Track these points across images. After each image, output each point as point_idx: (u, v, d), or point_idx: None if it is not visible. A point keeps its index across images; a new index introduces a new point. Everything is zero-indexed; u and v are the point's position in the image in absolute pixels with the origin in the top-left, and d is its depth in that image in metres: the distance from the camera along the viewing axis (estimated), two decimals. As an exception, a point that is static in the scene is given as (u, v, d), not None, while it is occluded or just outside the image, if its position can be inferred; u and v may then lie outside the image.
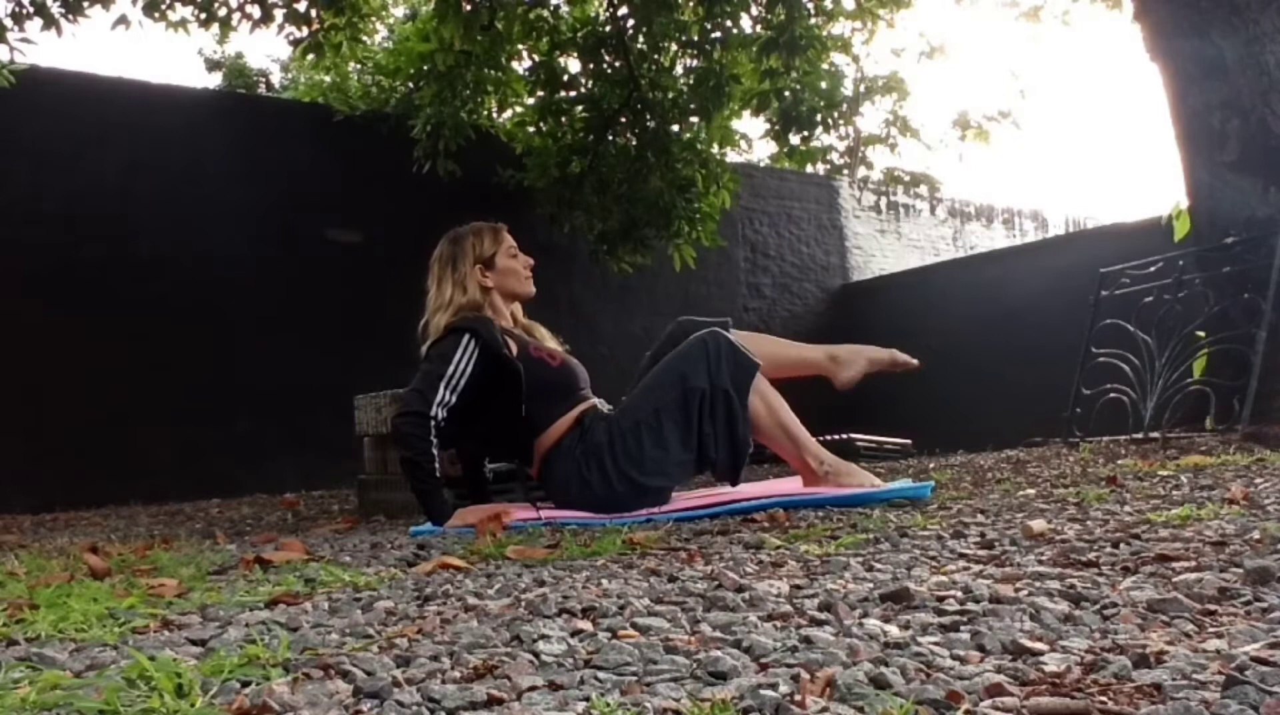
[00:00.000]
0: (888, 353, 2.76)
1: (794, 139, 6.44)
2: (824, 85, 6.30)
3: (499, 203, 6.06)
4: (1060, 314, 5.80)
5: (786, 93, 6.15)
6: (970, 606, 1.06)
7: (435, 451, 2.48)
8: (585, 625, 1.09)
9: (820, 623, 1.04)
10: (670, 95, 6.47)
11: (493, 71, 6.39)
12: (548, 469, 2.62)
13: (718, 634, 1.02)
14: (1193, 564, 1.24)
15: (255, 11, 5.40)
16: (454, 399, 2.52)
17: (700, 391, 2.49)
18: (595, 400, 2.70)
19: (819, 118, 6.26)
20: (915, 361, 2.74)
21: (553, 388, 2.62)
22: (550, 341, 2.83)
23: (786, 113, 6.20)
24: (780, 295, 8.67)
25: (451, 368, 2.51)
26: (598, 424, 2.58)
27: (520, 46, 6.57)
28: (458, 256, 2.77)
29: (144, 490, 5.17)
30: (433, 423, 2.48)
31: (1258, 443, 3.08)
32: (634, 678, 0.87)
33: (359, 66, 7.35)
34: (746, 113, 6.70)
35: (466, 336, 2.56)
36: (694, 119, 6.64)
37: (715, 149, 6.74)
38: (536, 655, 0.96)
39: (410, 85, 6.72)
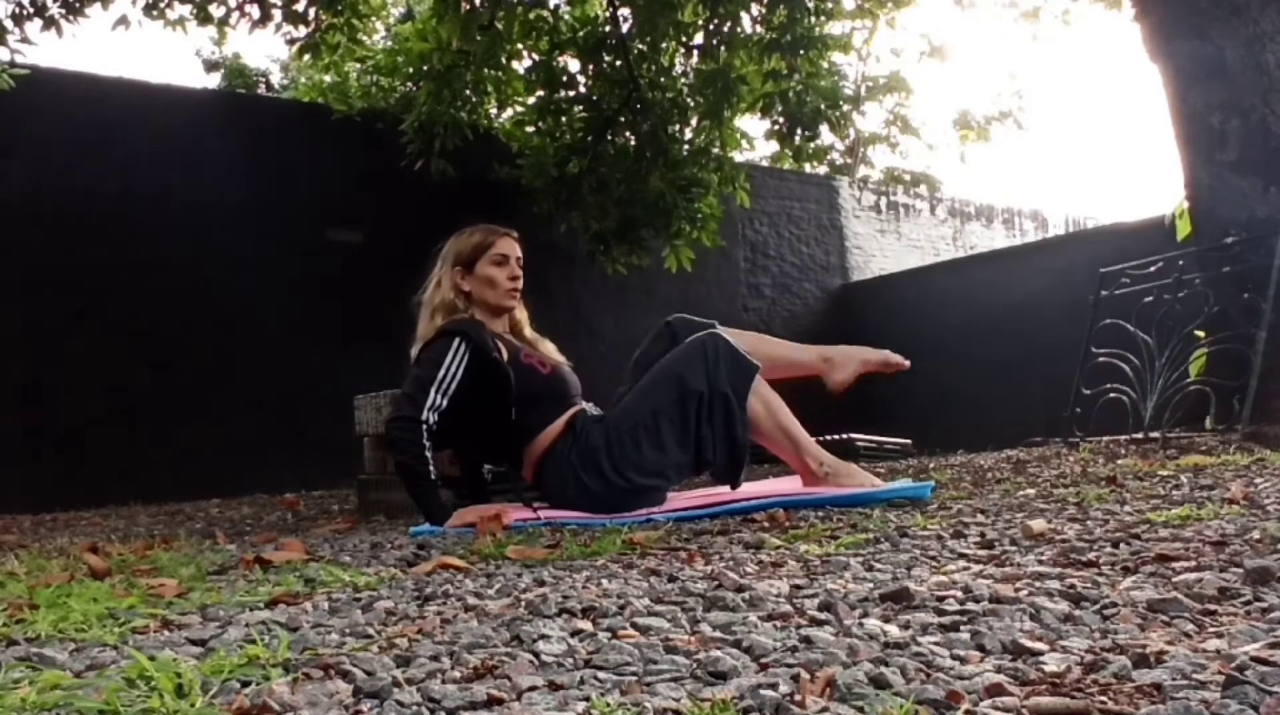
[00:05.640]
0: (880, 354, 2.73)
1: (798, 140, 6.44)
2: (825, 84, 6.30)
3: (499, 202, 6.07)
4: (1060, 314, 5.81)
5: (791, 94, 6.15)
6: (970, 606, 1.06)
7: (429, 455, 2.47)
8: (585, 625, 1.09)
9: (820, 623, 1.04)
10: (670, 95, 6.47)
11: (492, 71, 6.39)
12: (542, 473, 2.61)
13: (718, 634, 1.02)
14: (1193, 564, 1.24)
15: (254, 11, 5.40)
16: (445, 402, 2.51)
17: (698, 394, 2.48)
18: (585, 404, 2.70)
19: (824, 118, 6.26)
20: (907, 363, 2.72)
21: (543, 394, 2.61)
22: (554, 356, 2.81)
23: (792, 114, 6.20)
24: (780, 295, 8.67)
25: (442, 372, 2.50)
26: (591, 427, 2.57)
27: (520, 46, 6.57)
28: (445, 255, 2.76)
29: (144, 490, 5.17)
30: (424, 427, 2.47)
31: (1258, 443, 3.08)
32: (634, 678, 0.87)
33: (359, 66, 7.35)
34: (750, 113, 6.71)
35: (457, 340, 2.55)
36: (695, 120, 6.64)
37: (723, 150, 6.74)
38: (536, 655, 0.96)
39: (410, 85, 6.73)
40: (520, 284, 2.78)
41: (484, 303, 2.73)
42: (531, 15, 6.29)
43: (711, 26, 6.28)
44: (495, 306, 2.75)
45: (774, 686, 0.81)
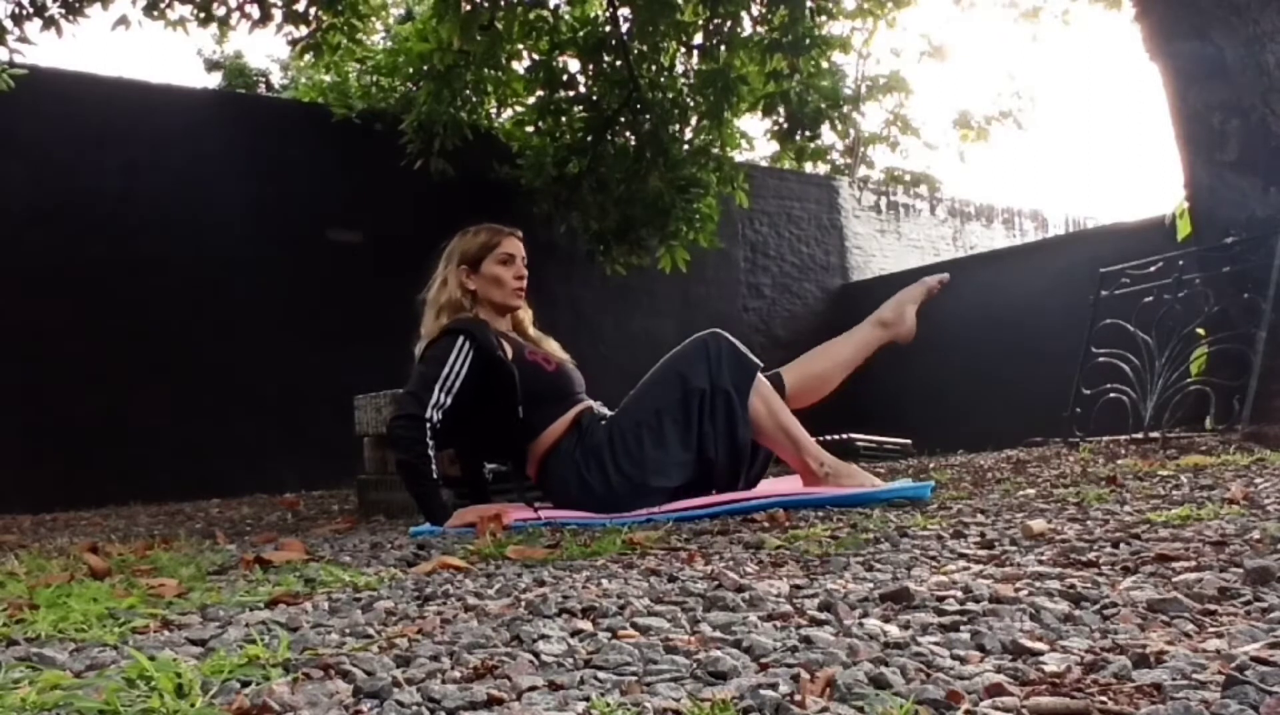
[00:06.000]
0: (920, 288, 2.85)
1: (799, 140, 6.45)
2: (826, 84, 6.30)
3: (499, 202, 6.07)
4: (1060, 314, 5.80)
5: (793, 94, 6.15)
6: (970, 606, 1.06)
7: (431, 454, 2.47)
8: (585, 625, 1.09)
9: (820, 623, 1.04)
10: (670, 95, 6.47)
11: (492, 71, 6.39)
12: (546, 471, 2.62)
13: (718, 634, 1.02)
14: (1193, 564, 1.24)
15: (254, 11, 5.41)
16: (449, 401, 2.51)
17: (700, 392, 2.49)
18: (592, 403, 2.70)
19: (825, 117, 6.26)
20: (946, 276, 2.87)
21: (547, 392, 2.61)
22: (558, 353, 2.81)
23: (794, 114, 6.21)
24: (780, 295, 8.67)
25: (446, 370, 2.51)
26: (596, 425, 2.57)
27: (520, 46, 6.57)
28: (451, 253, 2.77)
29: (144, 490, 5.17)
30: (428, 425, 2.47)
31: (1258, 443, 3.08)
32: (634, 678, 0.87)
33: (359, 66, 7.35)
34: (751, 113, 6.71)
35: (461, 338, 2.55)
36: (695, 120, 6.64)
37: (722, 150, 6.74)
38: (536, 655, 0.96)
39: (410, 85, 6.73)
40: (525, 283, 2.79)
41: (489, 301, 2.74)
42: (531, 15, 6.30)
43: (711, 26, 6.28)
44: (501, 305, 2.75)
45: (774, 686, 0.81)
